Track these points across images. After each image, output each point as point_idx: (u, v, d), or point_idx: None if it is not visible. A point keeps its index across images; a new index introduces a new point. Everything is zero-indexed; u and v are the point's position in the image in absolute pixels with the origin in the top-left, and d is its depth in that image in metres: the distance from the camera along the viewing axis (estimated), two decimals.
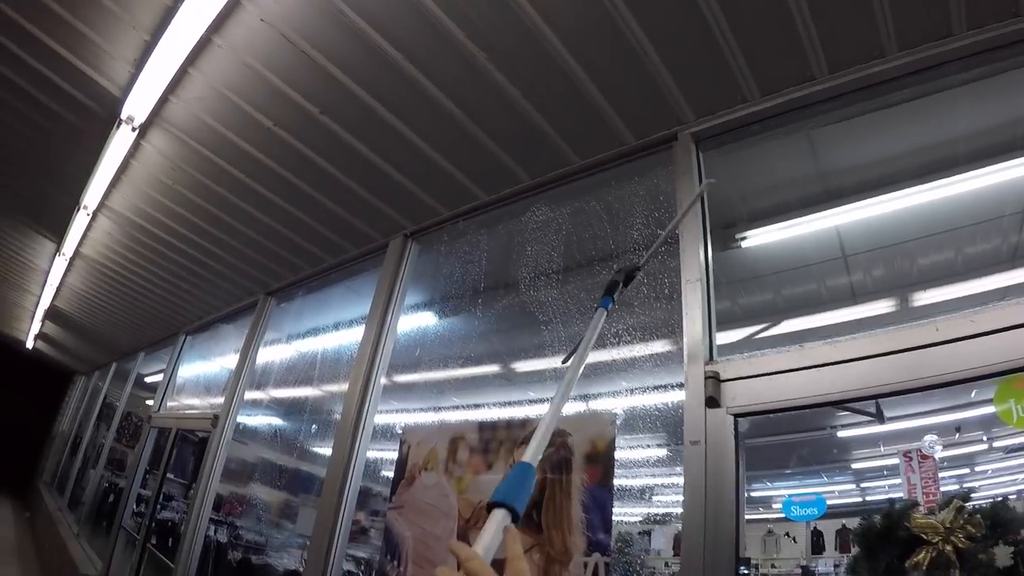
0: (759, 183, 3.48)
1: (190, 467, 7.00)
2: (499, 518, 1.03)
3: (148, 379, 9.95)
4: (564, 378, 1.40)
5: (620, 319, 3.02)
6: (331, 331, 5.53)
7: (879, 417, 4.66)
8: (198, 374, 7.10)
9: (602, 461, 2.45)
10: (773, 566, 10.63)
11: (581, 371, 1.43)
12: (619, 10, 2.52)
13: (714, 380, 2.28)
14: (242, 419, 5.50)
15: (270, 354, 5.76)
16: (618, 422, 2.51)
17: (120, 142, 4.06)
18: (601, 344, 2.97)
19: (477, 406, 4.50)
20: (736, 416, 2.23)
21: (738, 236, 3.65)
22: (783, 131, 2.89)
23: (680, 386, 2.45)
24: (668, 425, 2.72)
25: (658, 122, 3.00)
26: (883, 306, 4.62)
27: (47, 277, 7.69)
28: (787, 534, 11.03)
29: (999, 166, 3.12)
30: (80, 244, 6.15)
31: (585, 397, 3.58)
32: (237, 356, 5.69)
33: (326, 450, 4.17)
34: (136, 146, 4.15)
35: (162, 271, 6.26)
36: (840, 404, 2.13)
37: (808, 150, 3.22)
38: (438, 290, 4.32)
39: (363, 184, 4.01)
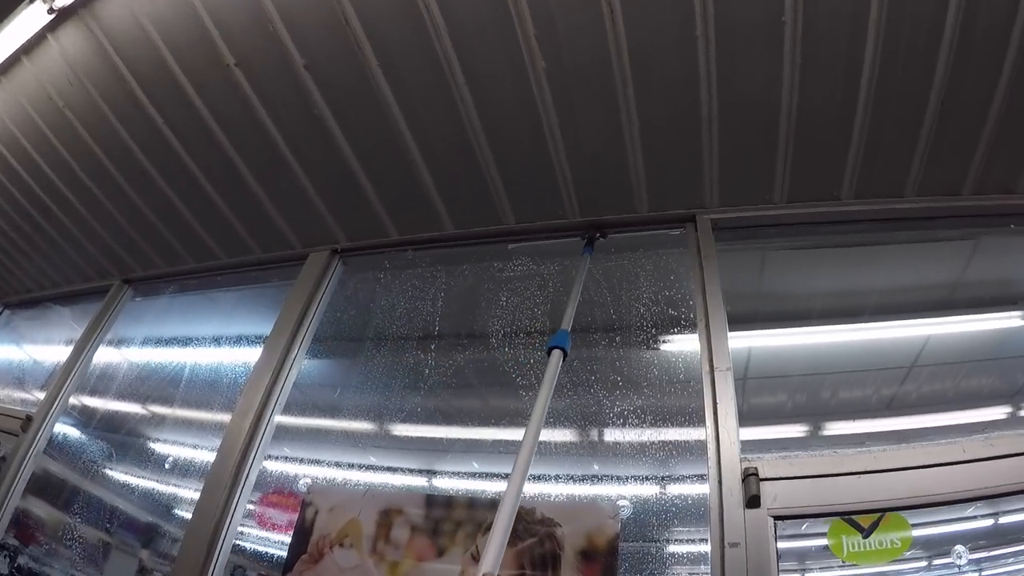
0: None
1: None
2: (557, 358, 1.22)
3: None
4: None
5: (626, 399, 2.81)
6: (208, 345, 4.60)
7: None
8: (8, 360, 5.82)
9: (601, 560, 2.12)
10: None
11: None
12: None
13: (755, 478, 2.12)
14: (61, 428, 4.43)
15: (114, 356, 4.73)
16: (624, 515, 2.23)
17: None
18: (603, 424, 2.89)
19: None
20: (775, 519, 2.08)
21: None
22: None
23: (697, 478, 2.35)
24: (685, 521, 2.46)
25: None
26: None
27: None
28: None
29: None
30: None
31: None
32: (70, 348, 4.63)
33: (181, 491, 3.63)
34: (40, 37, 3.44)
35: None
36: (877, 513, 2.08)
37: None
38: (366, 323, 3.64)
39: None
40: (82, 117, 3.70)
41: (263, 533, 3.08)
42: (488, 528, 2.14)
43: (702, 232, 2.94)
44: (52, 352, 5.19)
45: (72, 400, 4.44)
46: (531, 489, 2.42)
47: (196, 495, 3.06)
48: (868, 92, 2.55)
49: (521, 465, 1.72)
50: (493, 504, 2.32)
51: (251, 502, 3.07)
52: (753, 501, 2.09)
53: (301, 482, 2.99)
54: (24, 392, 5.13)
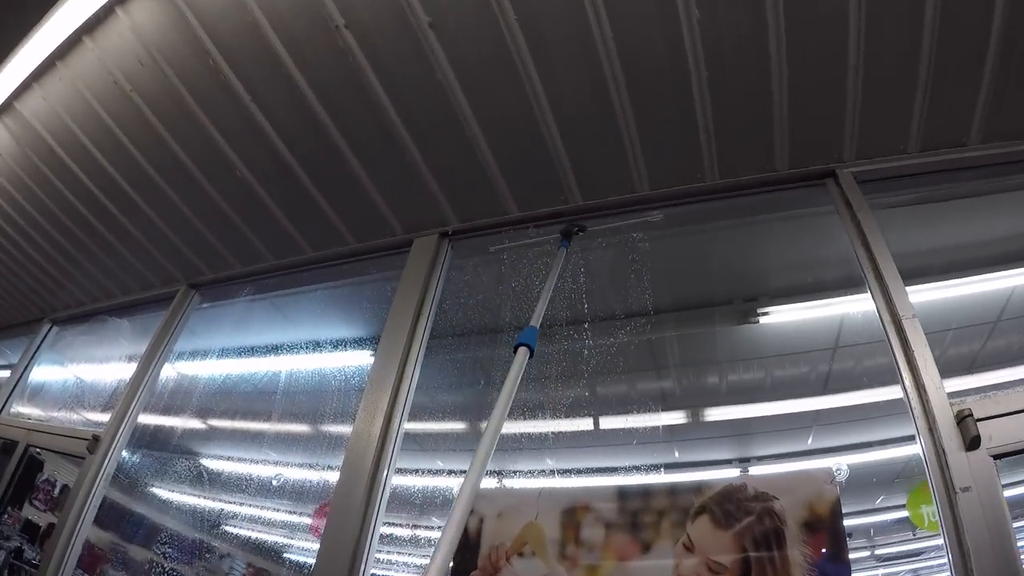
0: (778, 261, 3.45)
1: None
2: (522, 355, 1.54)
3: None
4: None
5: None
6: (290, 352, 4.23)
7: None
8: (64, 378, 5.42)
9: (826, 528, 1.95)
10: None
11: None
12: None
13: (971, 419, 2.01)
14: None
15: (181, 369, 4.36)
16: (841, 478, 2.04)
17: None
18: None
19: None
20: (995, 457, 1.98)
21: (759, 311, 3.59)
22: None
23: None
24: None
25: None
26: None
27: None
28: None
29: None
30: None
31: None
32: (131, 363, 4.24)
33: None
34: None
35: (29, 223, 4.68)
36: None
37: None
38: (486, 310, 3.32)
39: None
40: (152, 101, 3.33)
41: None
42: (700, 511, 2.08)
43: (847, 187, 2.76)
44: (110, 368, 4.81)
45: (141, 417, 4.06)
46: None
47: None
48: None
49: (478, 465, 1.63)
50: (697, 488, 2.15)
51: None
52: (974, 443, 1.98)
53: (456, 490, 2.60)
54: (84, 412, 4.76)
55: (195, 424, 4.81)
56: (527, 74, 2.74)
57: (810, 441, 4.43)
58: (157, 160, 3.60)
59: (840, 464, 2.11)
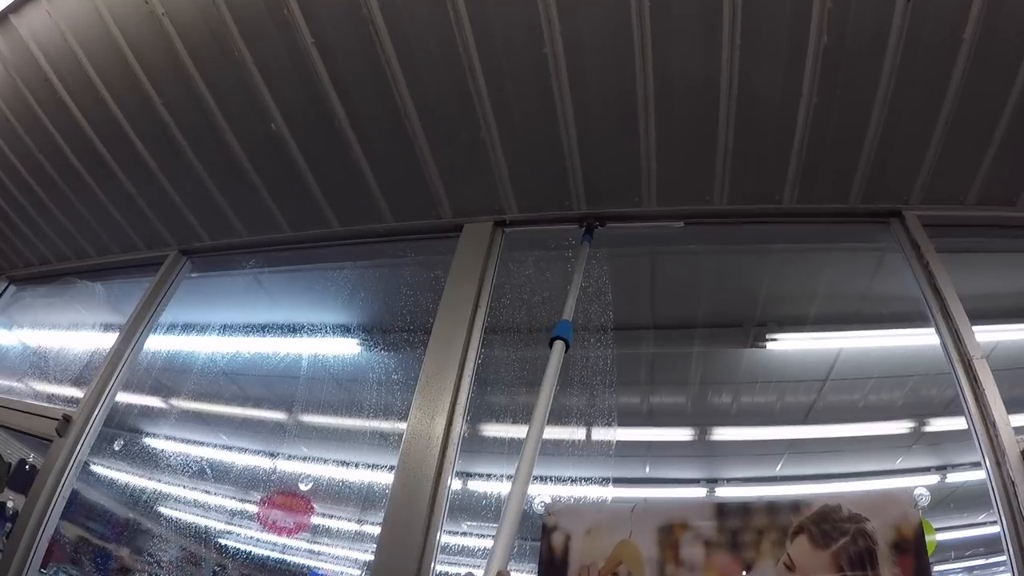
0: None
1: None
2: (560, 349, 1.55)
3: None
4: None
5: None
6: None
7: None
8: (18, 344, 4.84)
9: (912, 551, 1.94)
10: None
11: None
12: None
13: None
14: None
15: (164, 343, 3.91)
16: (923, 504, 2.02)
17: None
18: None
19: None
20: None
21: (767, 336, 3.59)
22: None
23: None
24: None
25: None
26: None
27: None
28: None
29: None
30: None
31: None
32: (114, 333, 3.76)
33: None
34: None
35: None
36: None
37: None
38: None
39: None
40: (183, 23, 2.87)
41: None
42: (798, 531, 2.02)
43: (913, 228, 2.84)
44: (79, 337, 4.30)
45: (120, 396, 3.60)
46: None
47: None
48: None
49: (525, 466, 1.72)
50: (796, 507, 2.09)
51: None
52: None
53: (537, 502, 2.39)
54: (45, 386, 4.23)
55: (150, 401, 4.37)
56: (643, 63, 2.52)
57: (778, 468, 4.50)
58: (174, 98, 3.15)
59: (922, 489, 2.13)
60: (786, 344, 3.68)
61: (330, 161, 3.12)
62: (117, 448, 4.29)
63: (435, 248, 3.25)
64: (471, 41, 2.59)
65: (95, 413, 3.43)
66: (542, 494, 2.59)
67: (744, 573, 2.02)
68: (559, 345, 2.18)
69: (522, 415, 3.28)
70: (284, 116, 3.02)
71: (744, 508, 2.14)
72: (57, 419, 3.43)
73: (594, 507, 2.35)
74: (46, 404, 3.75)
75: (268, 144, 3.12)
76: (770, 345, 3.62)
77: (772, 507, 2.12)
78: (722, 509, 2.14)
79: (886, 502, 2.05)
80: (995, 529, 2.19)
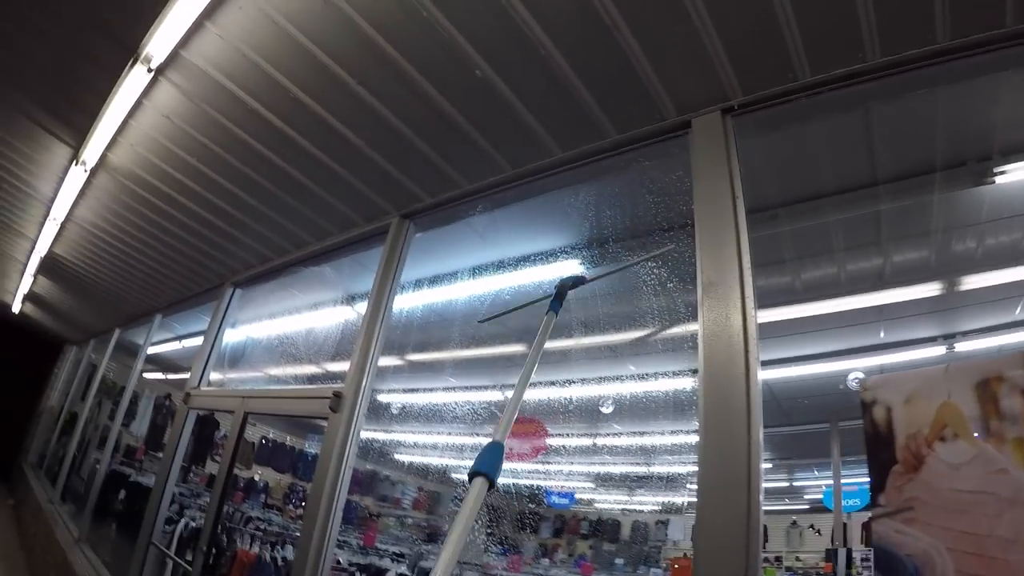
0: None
1: None
2: (479, 485, 1.38)
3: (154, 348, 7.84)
4: (520, 377, 1.71)
5: None
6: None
7: None
8: (258, 339, 5.20)
9: None
10: (797, 559, 10.99)
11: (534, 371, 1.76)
12: None
13: None
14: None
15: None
16: None
17: None
18: None
19: None
20: None
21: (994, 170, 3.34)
22: None
23: None
24: None
25: None
26: None
27: (51, 207, 5.58)
28: (811, 526, 11.08)
29: None
30: (109, 148, 4.26)
31: None
32: (352, 305, 3.96)
33: None
34: None
35: (213, 187, 4.44)
36: None
37: None
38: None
39: None
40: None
41: None
42: None
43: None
44: (314, 318, 4.56)
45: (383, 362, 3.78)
46: None
47: None
48: None
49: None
50: None
51: None
52: None
53: (851, 377, 2.32)
54: (295, 368, 4.52)
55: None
56: None
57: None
58: (368, 76, 3.22)
59: None
60: (1017, 175, 3.38)
61: (544, 92, 3.08)
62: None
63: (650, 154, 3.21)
64: None
65: (363, 384, 3.64)
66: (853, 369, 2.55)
67: None
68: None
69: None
70: (488, 60, 3.00)
71: None
72: (329, 397, 3.66)
73: (908, 375, 2.23)
74: (315, 386, 4.01)
75: (477, 89, 3.12)
76: (999, 179, 3.36)
77: None
78: None
79: None
80: None
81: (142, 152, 4.28)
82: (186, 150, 4.12)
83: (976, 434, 1.97)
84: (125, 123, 4.01)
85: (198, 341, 5.76)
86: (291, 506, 7.18)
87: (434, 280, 4.64)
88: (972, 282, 4.26)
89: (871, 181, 3.50)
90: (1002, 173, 3.33)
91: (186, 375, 5.27)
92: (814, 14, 2.59)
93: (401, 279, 3.94)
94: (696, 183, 2.81)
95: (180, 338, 7.62)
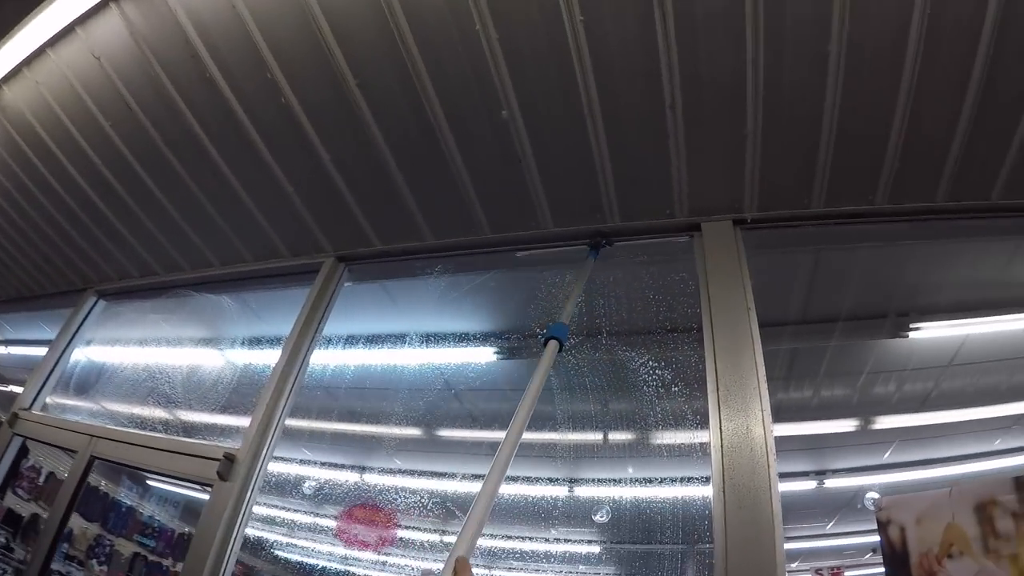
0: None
1: None
2: (552, 348, 2.00)
3: None
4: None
5: None
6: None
7: None
8: (122, 365, 4.37)
9: None
10: None
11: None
12: None
13: None
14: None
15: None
16: None
17: None
18: None
19: None
20: None
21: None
22: None
23: None
24: None
25: None
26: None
27: None
28: None
29: None
30: None
31: None
32: (277, 349, 3.39)
33: None
34: None
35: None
36: None
37: None
38: None
39: None
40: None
41: None
42: None
43: None
44: (200, 355, 3.90)
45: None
46: None
47: None
48: None
49: (501, 462, 1.75)
50: None
51: None
52: None
53: (867, 497, 2.35)
54: (178, 413, 3.81)
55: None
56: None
57: None
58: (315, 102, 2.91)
59: None
60: (928, 332, 3.63)
61: (569, 164, 2.91)
62: None
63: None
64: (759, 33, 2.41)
65: (265, 448, 3.07)
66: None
67: None
68: (553, 345, 2.31)
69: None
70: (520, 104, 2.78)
71: None
72: (218, 459, 3.01)
73: (917, 497, 2.38)
74: (199, 441, 3.31)
75: (492, 138, 2.89)
76: (913, 335, 3.58)
77: None
78: (1020, 482, 2.19)
79: None
80: None
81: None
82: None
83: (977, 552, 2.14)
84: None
85: (34, 351, 4.83)
86: (94, 562, 6.09)
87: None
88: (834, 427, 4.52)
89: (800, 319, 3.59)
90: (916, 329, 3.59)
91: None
92: (846, 150, 2.64)
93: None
94: (711, 286, 2.72)
95: (6, 343, 6.40)
